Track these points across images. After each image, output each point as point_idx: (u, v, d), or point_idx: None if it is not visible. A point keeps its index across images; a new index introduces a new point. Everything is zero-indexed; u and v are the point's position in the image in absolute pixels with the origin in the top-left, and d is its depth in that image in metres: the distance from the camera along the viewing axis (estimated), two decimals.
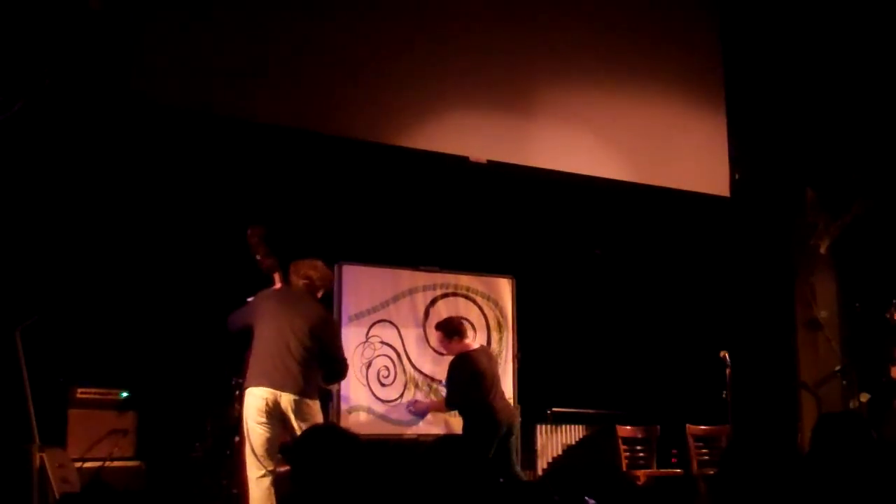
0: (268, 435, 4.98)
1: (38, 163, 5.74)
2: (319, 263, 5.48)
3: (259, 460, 4.97)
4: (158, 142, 6.09)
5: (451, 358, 6.44)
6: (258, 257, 5.35)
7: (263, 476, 4.96)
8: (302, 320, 5.12)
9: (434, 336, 6.59)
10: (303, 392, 5.03)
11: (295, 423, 4.97)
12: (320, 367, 5.21)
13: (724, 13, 8.22)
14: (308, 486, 2.88)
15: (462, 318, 6.77)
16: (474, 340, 6.59)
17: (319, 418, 5.18)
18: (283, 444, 5.05)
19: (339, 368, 5.39)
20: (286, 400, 4.98)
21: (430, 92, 6.92)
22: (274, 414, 4.98)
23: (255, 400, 4.99)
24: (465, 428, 6.24)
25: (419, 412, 6.64)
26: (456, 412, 6.48)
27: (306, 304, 5.27)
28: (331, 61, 6.55)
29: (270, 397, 4.97)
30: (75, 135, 5.84)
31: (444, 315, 6.83)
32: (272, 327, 5.09)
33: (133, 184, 6.10)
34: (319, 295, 5.45)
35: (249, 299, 5.41)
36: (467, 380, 6.21)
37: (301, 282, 5.32)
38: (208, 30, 6.12)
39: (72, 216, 5.92)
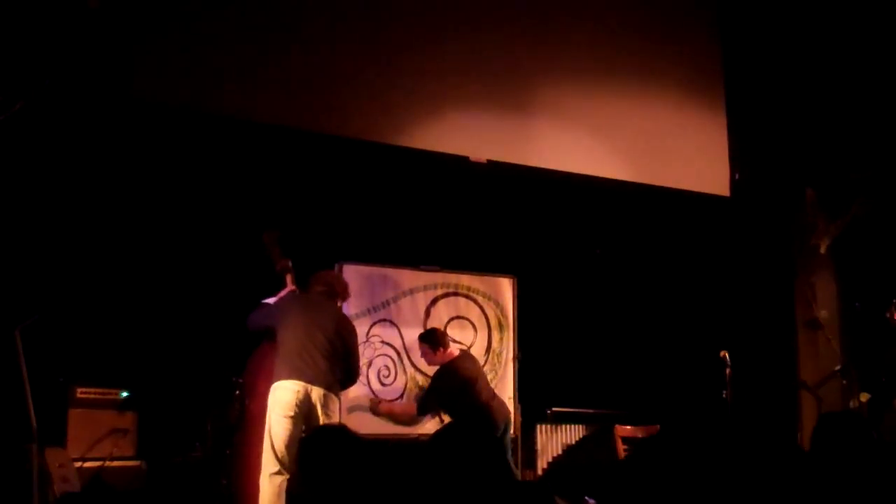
0: (291, 430, 5.01)
1: (38, 163, 5.73)
2: (340, 275, 5.86)
3: (277, 456, 5.00)
4: (157, 141, 6.09)
5: None
6: (273, 259, 5.53)
7: (277, 473, 4.98)
8: (329, 320, 5.29)
9: (419, 348, 6.58)
10: (330, 387, 5.17)
11: (322, 417, 5.07)
12: (342, 367, 5.31)
13: (723, 13, 8.22)
14: (315, 485, 2.89)
15: (459, 316, 6.81)
16: (456, 348, 6.61)
17: (337, 416, 5.26)
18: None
19: (354, 372, 5.51)
20: (316, 394, 5.08)
21: (430, 92, 6.92)
22: (303, 407, 5.05)
23: (286, 393, 5.05)
24: None
25: (380, 413, 6.55)
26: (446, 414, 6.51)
27: (330, 307, 5.46)
28: (331, 61, 6.54)
29: (302, 390, 5.06)
30: (75, 135, 5.84)
31: (445, 315, 6.84)
32: (300, 326, 5.21)
33: (133, 184, 6.10)
34: (339, 304, 5.61)
35: (267, 300, 5.48)
36: (458, 388, 6.27)
37: (322, 289, 5.49)
38: (207, 29, 6.11)
39: (72, 216, 5.92)
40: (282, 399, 5.05)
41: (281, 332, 5.24)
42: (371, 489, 2.83)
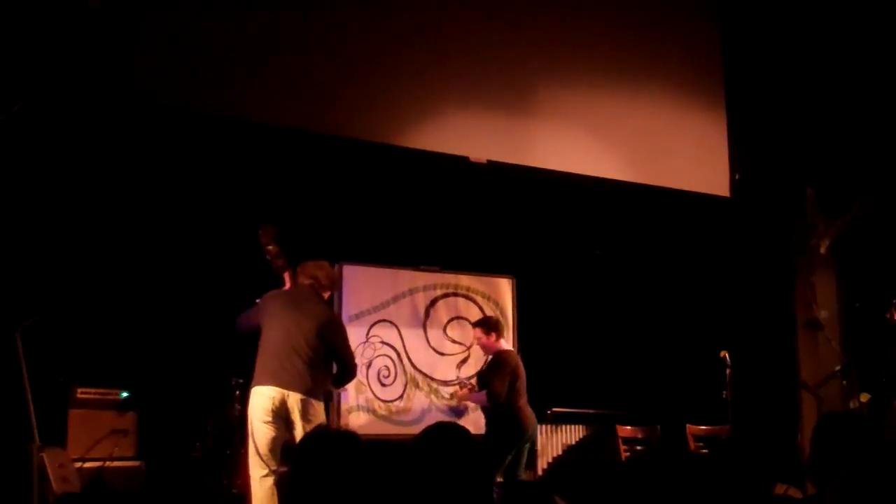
0: (273, 434, 4.98)
1: (38, 163, 5.74)
2: (325, 264, 5.50)
3: (262, 460, 4.97)
4: (157, 142, 6.09)
5: (454, 358, 6.49)
6: (269, 257, 5.39)
7: (266, 476, 4.97)
8: (309, 321, 5.11)
9: (472, 332, 6.63)
10: (309, 392, 5.03)
11: (299, 423, 4.97)
12: (329, 369, 5.22)
13: (724, 13, 8.22)
14: (311, 486, 2.88)
15: (458, 316, 6.83)
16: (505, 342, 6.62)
17: (323, 419, 5.19)
18: (286, 446, 5.04)
19: (347, 370, 5.37)
20: (293, 399, 4.98)
21: (430, 92, 6.92)
22: (280, 413, 4.98)
23: (262, 399, 4.99)
24: (488, 429, 6.24)
25: (460, 398, 6.71)
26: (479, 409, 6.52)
27: (313, 304, 5.26)
28: (331, 61, 6.54)
29: (278, 396, 4.97)
30: (75, 135, 5.84)
31: (445, 315, 6.85)
32: (279, 327, 5.09)
33: (133, 184, 6.10)
34: (326, 296, 5.47)
35: (258, 300, 5.42)
36: (507, 378, 6.21)
37: (307, 281, 5.32)
38: (208, 29, 6.11)
39: (72, 216, 5.92)
40: (258, 405, 5.00)
41: (262, 332, 5.15)
42: (369, 490, 2.83)
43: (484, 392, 6.40)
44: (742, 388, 7.03)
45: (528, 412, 6.31)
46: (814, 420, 7.09)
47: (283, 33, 6.38)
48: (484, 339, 6.44)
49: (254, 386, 5.06)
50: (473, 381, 6.80)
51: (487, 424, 6.29)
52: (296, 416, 4.98)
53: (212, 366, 6.02)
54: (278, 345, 5.06)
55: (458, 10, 7.09)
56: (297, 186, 6.57)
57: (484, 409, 6.41)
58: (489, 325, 6.48)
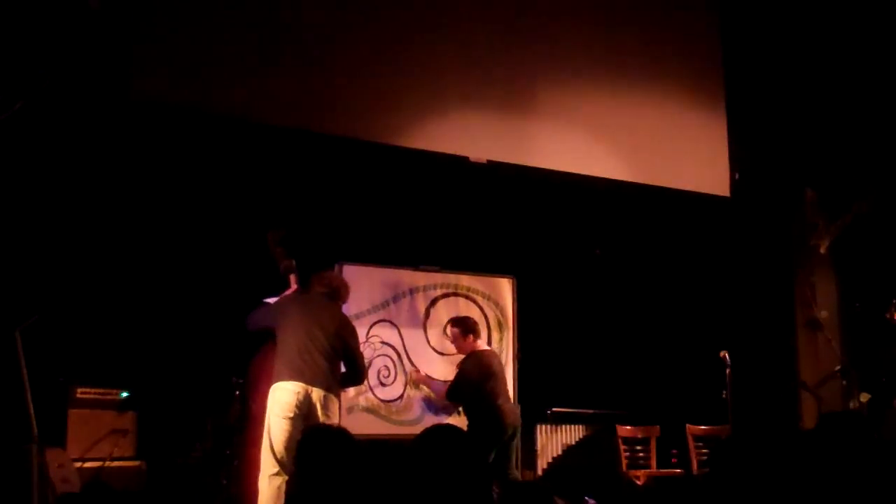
0: (290, 431, 4.99)
1: (38, 163, 5.74)
2: (340, 275, 5.84)
3: (276, 457, 4.99)
4: (157, 142, 6.09)
5: (454, 358, 6.49)
6: (276, 259, 5.52)
7: (276, 474, 4.98)
8: (329, 321, 5.27)
9: (448, 331, 6.63)
10: (329, 388, 5.16)
11: (322, 418, 5.05)
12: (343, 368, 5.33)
13: (724, 13, 8.22)
14: (311, 484, 2.89)
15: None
16: (485, 342, 6.62)
17: (337, 417, 5.26)
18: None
19: (360, 372, 5.50)
20: (315, 395, 5.07)
21: (430, 92, 6.92)
22: (302, 409, 5.04)
23: (286, 394, 5.04)
24: (469, 428, 6.26)
25: (419, 381, 6.69)
26: (461, 411, 6.50)
27: (331, 307, 5.43)
28: (331, 61, 6.55)
29: (301, 392, 5.05)
30: (75, 135, 5.84)
31: (445, 315, 6.84)
32: (300, 327, 5.20)
33: (133, 184, 6.10)
34: (339, 305, 5.59)
35: (268, 300, 5.48)
36: (478, 379, 6.26)
37: (324, 290, 5.47)
38: (208, 30, 6.12)
39: (72, 216, 5.92)
40: (281, 400, 5.05)
41: (281, 333, 5.23)
42: (367, 490, 2.84)
43: (444, 384, 6.47)
44: (742, 388, 7.03)
45: (508, 409, 6.32)
46: (814, 420, 7.10)
47: (282, 33, 6.38)
48: (460, 339, 6.46)
49: (275, 383, 5.11)
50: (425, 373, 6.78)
51: (469, 424, 6.30)
52: (318, 412, 5.07)
53: (212, 366, 6.02)
54: (300, 343, 5.15)
55: (458, 10, 7.09)
56: (297, 186, 6.57)
57: (465, 409, 6.42)
58: (467, 327, 6.48)
